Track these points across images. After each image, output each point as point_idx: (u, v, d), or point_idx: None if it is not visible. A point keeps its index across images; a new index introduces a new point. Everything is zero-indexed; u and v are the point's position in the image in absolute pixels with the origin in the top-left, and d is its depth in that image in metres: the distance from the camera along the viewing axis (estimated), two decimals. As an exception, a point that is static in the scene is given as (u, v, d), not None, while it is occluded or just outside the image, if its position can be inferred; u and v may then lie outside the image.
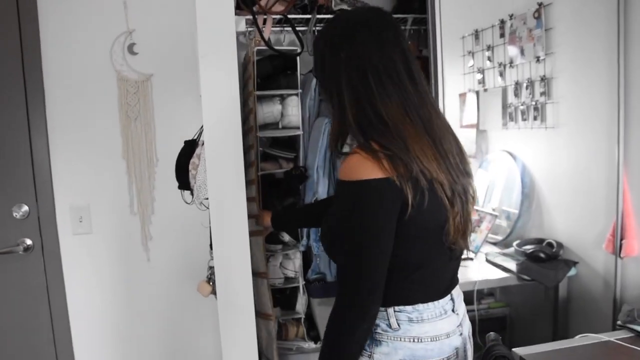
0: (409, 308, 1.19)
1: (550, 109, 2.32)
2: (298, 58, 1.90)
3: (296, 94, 1.94)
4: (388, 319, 1.19)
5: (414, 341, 1.19)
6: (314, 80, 1.95)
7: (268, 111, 1.92)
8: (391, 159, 1.09)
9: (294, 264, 2.00)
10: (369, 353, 1.19)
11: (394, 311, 1.18)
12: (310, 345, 2.05)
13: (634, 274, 2.00)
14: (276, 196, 1.90)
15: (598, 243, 2.13)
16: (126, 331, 2.40)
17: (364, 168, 1.10)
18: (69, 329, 2.34)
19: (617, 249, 2.02)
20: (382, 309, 1.18)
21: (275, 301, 2.05)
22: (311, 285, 2.03)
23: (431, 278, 1.22)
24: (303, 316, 2.05)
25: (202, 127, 1.95)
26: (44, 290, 2.26)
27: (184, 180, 1.81)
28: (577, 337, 1.69)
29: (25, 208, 2.18)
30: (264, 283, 1.87)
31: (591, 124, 2.17)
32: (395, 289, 1.17)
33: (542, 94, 2.35)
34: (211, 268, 2.15)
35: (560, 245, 2.28)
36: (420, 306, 1.19)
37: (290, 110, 1.95)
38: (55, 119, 2.19)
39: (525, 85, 2.42)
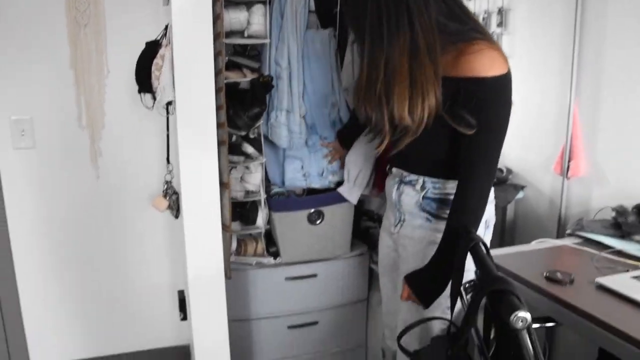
0: None
1: (506, 40, 2.39)
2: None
3: (262, 2, 1.88)
4: None
5: (489, 203, 1.45)
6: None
7: (234, 17, 1.85)
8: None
9: (255, 177, 1.97)
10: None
11: None
12: (270, 261, 2.04)
13: (578, 193, 2.12)
14: (241, 106, 1.85)
15: (546, 166, 2.25)
16: (72, 254, 2.30)
17: (500, 61, 1.26)
18: (9, 250, 2.21)
19: (565, 170, 2.13)
20: None
21: (235, 215, 2.02)
22: (272, 199, 2.01)
23: None
24: (263, 231, 2.03)
25: (165, 27, 1.86)
26: (-20, 208, 2.12)
27: (145, 82, 1.73)
28: (533, 242, 1.79)
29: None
30: (225, 194, 1.82)
31: (545, 52, 2.25)
32: None
33: (498, 25, 2.41)
34: (167, 182, 2.09)
35: (509, 170, 2.39)
36: None
37: (256, 19, 1.88)
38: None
39: (482, 16, 2.47)
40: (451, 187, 1.44)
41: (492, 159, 1.34)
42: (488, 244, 1.51)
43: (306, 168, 2.04)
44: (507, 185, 2.31)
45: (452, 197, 1.43)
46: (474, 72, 1.24)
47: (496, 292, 1.01)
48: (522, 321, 0.92)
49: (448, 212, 1.45)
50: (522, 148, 2.38)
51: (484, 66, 1.24)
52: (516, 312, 0.92)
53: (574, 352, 2.16)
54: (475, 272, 1.34)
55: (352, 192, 2.00)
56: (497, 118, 1.29)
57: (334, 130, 2.03)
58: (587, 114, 2.07)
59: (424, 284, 1.42)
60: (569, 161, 2.12)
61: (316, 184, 2.05)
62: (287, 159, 2.04)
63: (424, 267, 1.44)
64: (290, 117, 1.92)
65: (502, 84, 1.27)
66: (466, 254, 1.27)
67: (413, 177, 1.50)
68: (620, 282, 1.44)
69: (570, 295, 1.40)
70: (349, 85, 1.93)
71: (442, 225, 1.47)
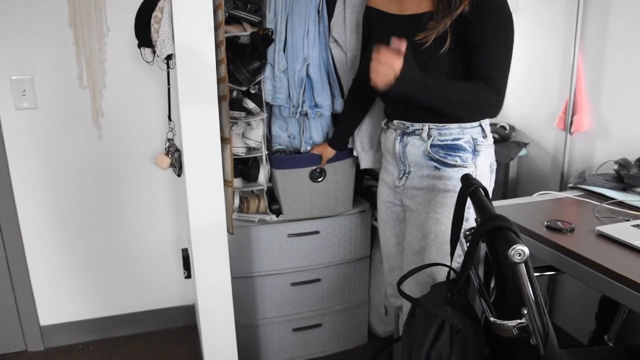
0: (487, 120, 1.54)
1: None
2: None
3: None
4: (484, 131, 1.52)
5: (491, 146, 1.56)
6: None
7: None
8: None
9: (256, 133, 1.96)
10: (473, 164, 1.50)
11: (486, 123, 1.53)
12: (272, 218, 2.05)
13: (581, 148, 2.11)
14: (241, 60, 1.84)
15: (549, 122, 2.23)
16: (76, 214, 2.31)
17: None
18: (15, 211, 2.23)
19: (568, 125, 2.12)
20: (476, 124, 1.50)
21: (237, 172, 2.02)
22: (274, 156, 2.01)
23: None
24: (265, 188, 2.04)
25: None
26: (-16, 168, 2.13)
27: (145, 36, 1.71)
28: (535, 194, 1.79)
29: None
30: (227, 149, 1.82)
31: (550, 4, 2.21)
32: None
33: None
34: (169, 140, 2.09)
35: (512, 128, 2.37)
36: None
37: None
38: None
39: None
40: (456, 131, 1.49)
41: (505, 68, 1.41)
42: (491, 189, 1.54)
43: (290, 130, 2.03)
44: (509, 142, 2.30)
45: (458, 142, 1.49)
46: None
47: (495, 229, 1.02)
48: (519, 254, 0.92)
49: (455, 159, 1.49)
50: (527, 105, 2.36)
51: None
52: (514, 246, 0.92)
53: (575, 303, 2.17)
54: (476, 220, 1.35)
55: (362, 157, 2.01)
56: (506, 28, 1.39)
57: (300, 92, 1.92)
58: (592, 68, 2.04)
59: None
60: (572, 116, 2.10)
61: (300, 147, 2.04)
62: (274, 116, 2.04)
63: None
64: (274, 71, 1.90)
65: (507, 4, 1.39)
66: (466, 198, 1.27)
67: (417, 125, 1.53)
68: (621, 230, 1.44)
69: (570, 243, 1.40)
70: (338, 36, 1.90)
71: (449, 173, 1.49)
